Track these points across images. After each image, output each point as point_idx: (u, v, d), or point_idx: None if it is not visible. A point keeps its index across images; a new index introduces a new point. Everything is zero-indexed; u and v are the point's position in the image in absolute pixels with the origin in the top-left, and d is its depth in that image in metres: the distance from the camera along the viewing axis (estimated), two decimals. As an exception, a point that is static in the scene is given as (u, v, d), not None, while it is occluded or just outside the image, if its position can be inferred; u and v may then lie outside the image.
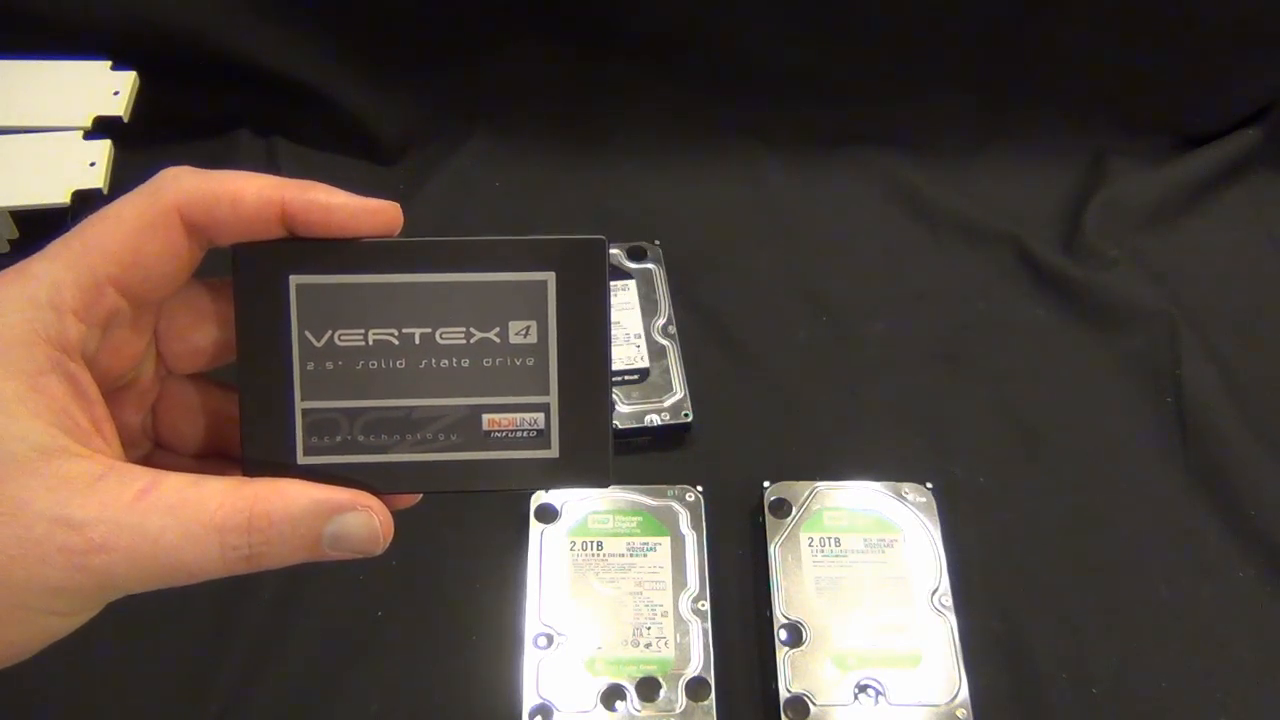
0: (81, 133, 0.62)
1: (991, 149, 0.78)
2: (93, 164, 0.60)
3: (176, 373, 0.30)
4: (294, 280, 0.28)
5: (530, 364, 0.29)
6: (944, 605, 0.53)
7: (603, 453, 0.29)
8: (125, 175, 0.63)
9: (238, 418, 0.28)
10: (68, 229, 0.27)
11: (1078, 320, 0.69)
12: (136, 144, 0.64)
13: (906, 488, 0.57)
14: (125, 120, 0.63)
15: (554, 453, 0.29)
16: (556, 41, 0.75)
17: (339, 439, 0.28)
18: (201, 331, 0.29)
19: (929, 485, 0.58)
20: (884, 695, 0.51)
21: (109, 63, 0.65)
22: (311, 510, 0.26)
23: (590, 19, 0.74)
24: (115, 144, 0.61)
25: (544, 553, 0.54)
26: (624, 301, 0.65)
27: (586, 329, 0.29)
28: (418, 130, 0.77)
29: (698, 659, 0.51)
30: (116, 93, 0.63)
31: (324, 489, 0.27)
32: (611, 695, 0.50)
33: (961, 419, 0.63)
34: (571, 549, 0.55)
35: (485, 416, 0.29)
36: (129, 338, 0.28)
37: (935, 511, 0.57)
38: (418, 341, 0.28)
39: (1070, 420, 0.64)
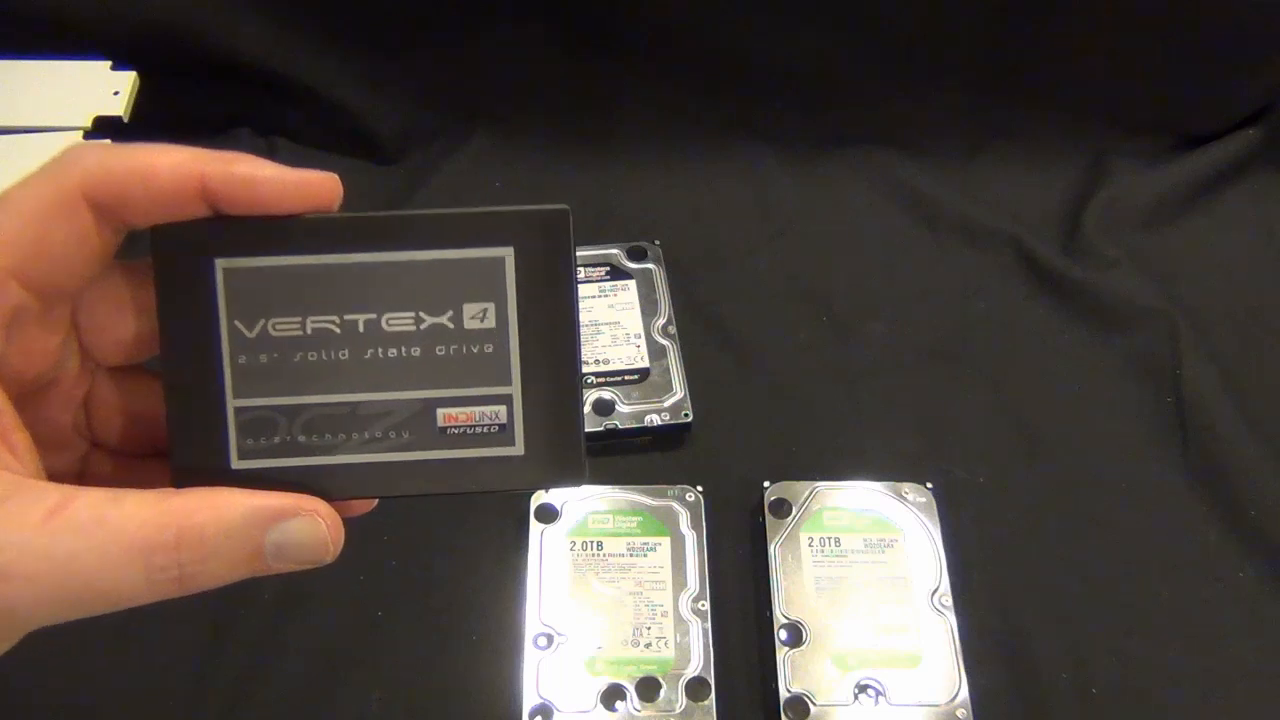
0: (81, 133, 0.62)
1: (991, 149, 0.78)
2: (93, 164, 0.60)
3: (105, 365, 0.27)
4: (220, 264, 0.25)
5: (489, 351, 0.26)
6: (944, 605, 0.53)
7: (574, 447, 0.26)
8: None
9: None
10: None
11: (1078, 320, 0.69)
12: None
13: (906, 488, 0.57)
14: (125, 120, 0.63)
15: (519, 449, 0.26)
16: (557, 41, 0.74)
17: (277, 440, 0.25)
18: (124, 322, 0.26)
19: (929, 485, 0.58)
20: (884, 695, 0.51)
21: (109, 63, 0.65)
22: (248, 519, 0.23)
23: (591, 19, 0.74)
24: (115, 144, 0.61)
25: (544, 553, 0.54)
26: (624, 301, 0.65)
27: (551, 310, 0.26)
28: (418, 130, 0.77)
29: (698, 659, 0.51)
30: (116, 93, 0.63)
31: (261, 495, 0.24)
32: (611, 695, 0.50)
33: (961, 419, 0.63)
34: (571, 549, 0.55)
35: (440, 411, 0.26)
36: (39, 335, 0.25)
37: (935, 511, 0.57)
38: (361, 329, 0.25)
39: (1070, 420, 0.64)
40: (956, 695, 0.51)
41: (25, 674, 0.51)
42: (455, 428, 0.26)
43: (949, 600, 0.53)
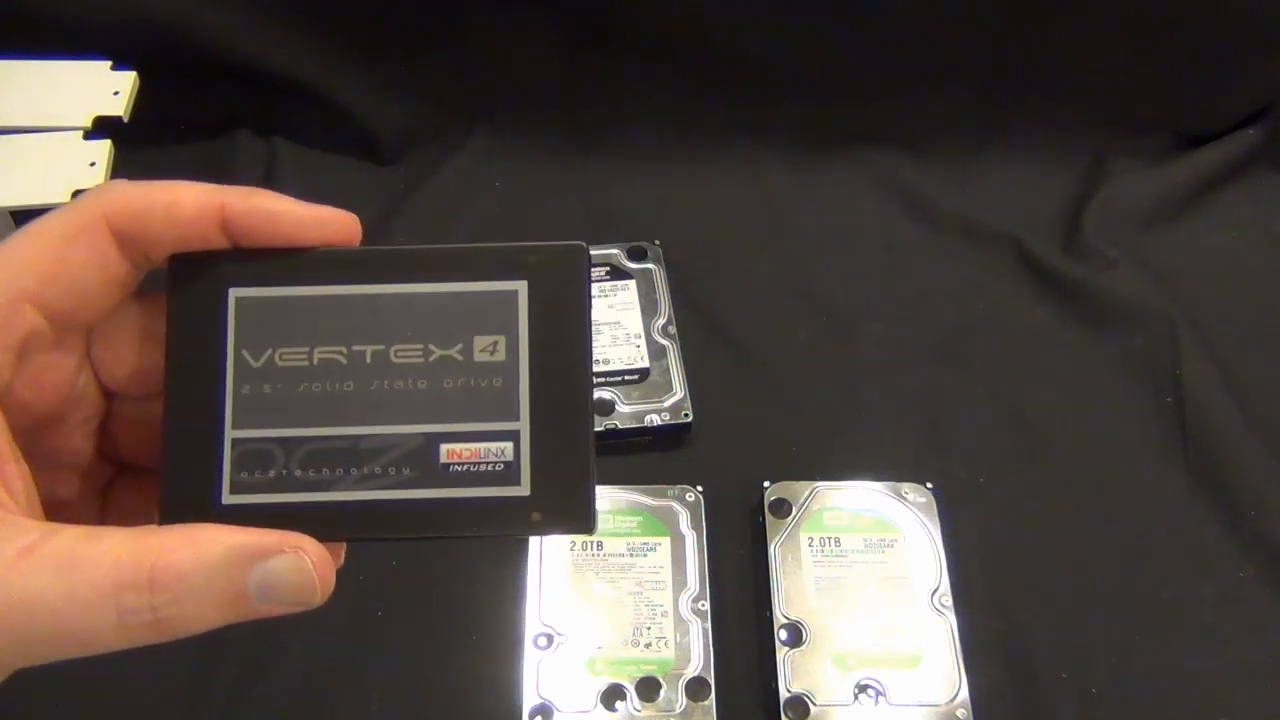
0: (81, 133, 0.61)
1: (991, 149, 0.78)
2: (93, 164, 0.60)
3: (122, 395, 0.27)
4: (234, 293, 0.25)
5: (497, 385, 0.25)
6: (944, 605, 0.53)
7: (582, 491, 0.25)
8: (125, 175, 0.63)
9: None
10: None
11: (1078, 320, 0.68)
12: (136, 144, 0.64)
13: (906, 488, 0.57)
14: (125, 120, 0.63)
15: (524, 490, 0.25)
16: (557, 41, 0.75)
17: (272, 474, 0.25)
18: (140, 354, 0.26)
19: (929, 485, 0.58)
20: (884, 695, 0.51)
21: (109, 63, 0.65)
22: (229, 558, 0.22)
23: (591, 19, 0.74)
24: (115, 144, 0.61)
25: (544, 553, 0.54)
26: (624, 301, 0.65)
27: (563, 345, 0.25)
28: (418, 130, 0.77)
29: (698, 659, 0.51)
30: (116, 93, 0.63)
31: (245, 532, 0.22)
32: (611, 695, 0.50)
33: (961, 419, 0.63)
34: (571, 549, 0.55)
35: (443, 447, 0.25)
36: (51, 365, 0.24)
37: (935, 511, 0.57)
38: (369, 360, 0.25)
39: (1070, 420, 0.64)
40: (956, 695, 0.51)
41: (24, 673, 0.51)
42: (458, 464, 0.25)
43: (949, 600, 0.53)
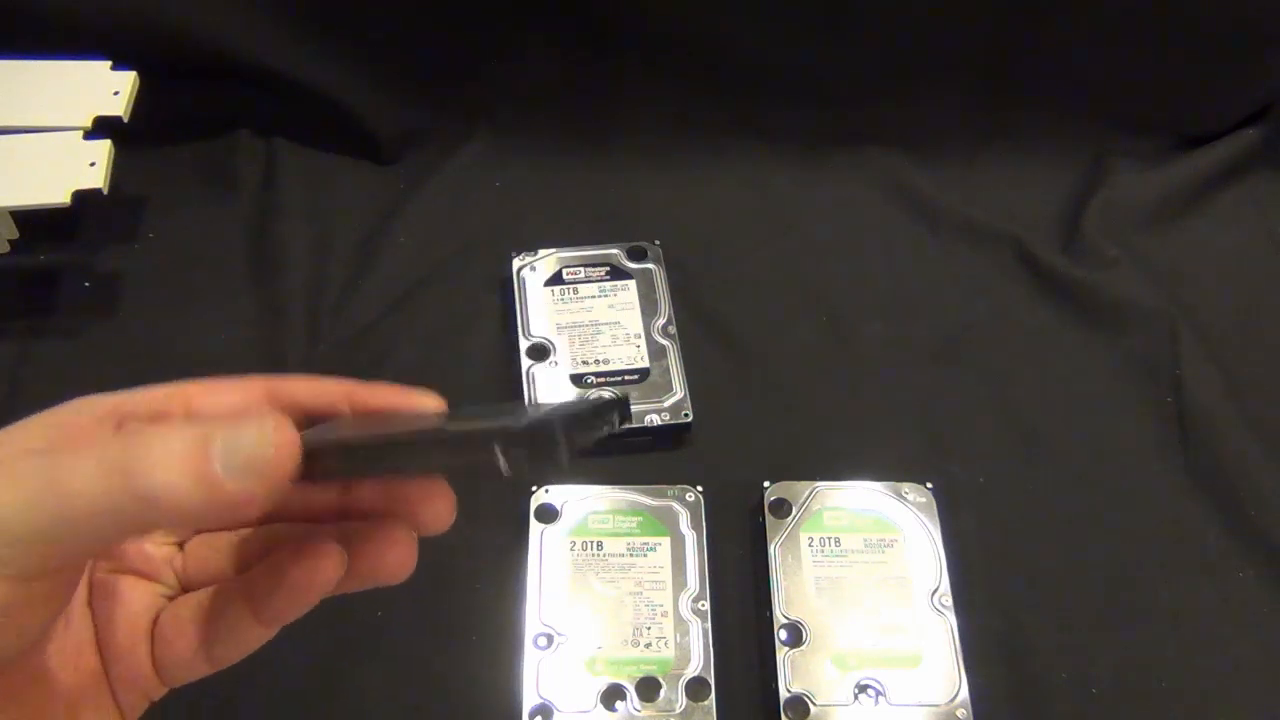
0: (81, 133, 0.62)
1: (991, 149, 0.78)
2: (93, 164, 0.60)
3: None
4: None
5: None
6: (944, 605, 0.53)
7: (553, 425, 0.24)
8: (125, 176, 0.63)
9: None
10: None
11: (1078, 320, 0.69)
12: (136, 144, 0.64)
13: (906, 488, 0.57)
14: (125, 120, 0.63)
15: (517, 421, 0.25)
16: (557, 41, 0.75)
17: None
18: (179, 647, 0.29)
19: (929, 485, 0.58)
20: (884, 695, 0.51)
21: (109, 63, 0.65)
22: (194, 424, 0.23)
23: (591, 19, 0.74)
24: (115, 144, 0.61)
25: (544, 553, 0.54)
26: (624, 301, 0.65)
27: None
28: (418, 130, 0.77)
29: (698, 659, 0.51)
30: (116, 93, 0.63)
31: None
32: (611, 695, 0.50)
33: (961, 419, 0.63)
34: (571, 549, 0.55)
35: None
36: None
37: (935, 511, 0.57)
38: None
39: (1070, 420, 0.64)
40: (956, 695, 0.51)
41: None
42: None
43: (949, 600, 0.53)
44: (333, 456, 0.25)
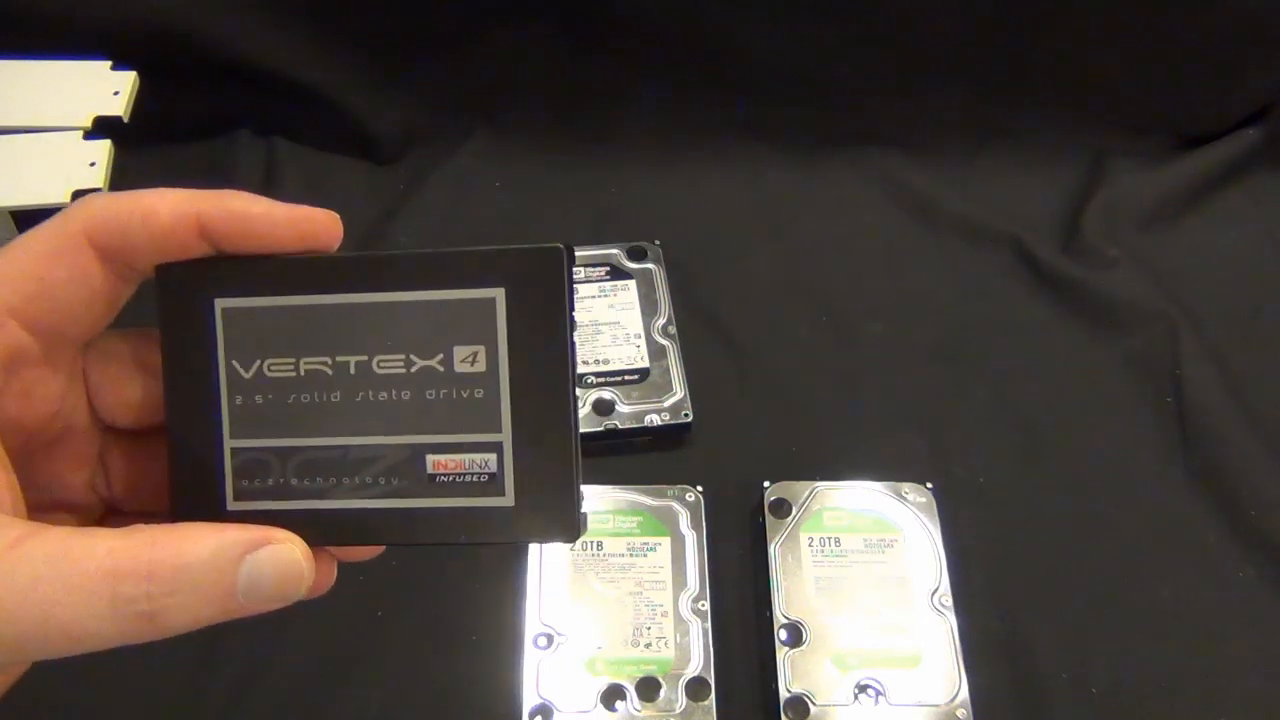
0: (81, 133, 0.61)
1: (991, 149, 0.78)
2: (93, 164, 0.60)
3: (118, 427, 0.27)
4: (219, 304, 0.25)
5: (479, 396, 0.25)
6: (944, 605, 0.53)
7: (567, 500, 0.25)
8: (125, 175, 0.63)
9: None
10: None
11: (1078, 320, 0.69)
12: (136, 144, 0.64)
13: (906, 488, 0.57)
14: (125, 120, 0.63)
15: (508, 500, 0.25)
16: (557, 41, 0.75)
17: (270, 482, 0.25)
18: (133, 383, 0.26)
19: (929, 485, 0.58)
20: (884, 695, 0.51)
21: (109, 63, 0.65)
22: (222, 550, 0.22)
23: (590, 19, 0.74)
24: (115, 144, 0.61)
25: (544, 553, 0.54)
26: (624, 301, 0.65)
27: (544, 355, 0.24)
28: (417, 130, 0.77)
29: (698, 659, 0.51)
30: (116, 93, 0.63)
31: (235, 527, 0.23)
32: (611, 695, 0.50)
33: (961, 419, 0.63)
34: (571, 549, 0.55)
35: (429, 458, 0.25)
36: (41, 378, 0.25)
37: (935, 511, 0.57)
38: (353, 371, 0.25)
39: (1070, 420, 0.64)
40: (956, 695, 0.51)
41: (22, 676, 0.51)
42: (445, 475, 0.25)
43: (949, 600, 0.53)
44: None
